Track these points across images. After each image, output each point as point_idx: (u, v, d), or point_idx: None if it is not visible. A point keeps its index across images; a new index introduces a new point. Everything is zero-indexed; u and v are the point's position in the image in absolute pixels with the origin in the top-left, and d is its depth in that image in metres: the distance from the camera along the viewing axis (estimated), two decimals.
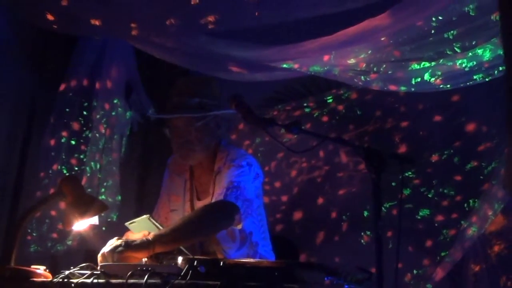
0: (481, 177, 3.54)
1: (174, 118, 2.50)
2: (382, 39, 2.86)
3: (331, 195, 3.89)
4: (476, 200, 3.50)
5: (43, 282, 1.83)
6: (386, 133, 3.84)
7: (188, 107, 2.45)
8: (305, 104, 4.05)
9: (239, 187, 2.44)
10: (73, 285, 1.76)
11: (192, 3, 2.68)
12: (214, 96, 2.53)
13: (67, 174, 3.41)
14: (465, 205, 3.57)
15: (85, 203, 2.14)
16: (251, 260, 2.31)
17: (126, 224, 2.30)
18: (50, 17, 2.95)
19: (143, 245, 2.06)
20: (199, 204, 2.60)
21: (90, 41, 3.58)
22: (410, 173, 3.63)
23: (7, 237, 2.17)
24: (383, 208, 2.05)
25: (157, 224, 2.26)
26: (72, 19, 2.98)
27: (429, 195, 3.67)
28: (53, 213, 3.36)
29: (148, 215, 2.26)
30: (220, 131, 2.56)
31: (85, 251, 3.28)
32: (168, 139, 3.25)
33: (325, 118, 4.01)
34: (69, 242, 3.37)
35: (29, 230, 3.36)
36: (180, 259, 1.76)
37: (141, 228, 2.31)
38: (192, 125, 2.46)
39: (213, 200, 2.45)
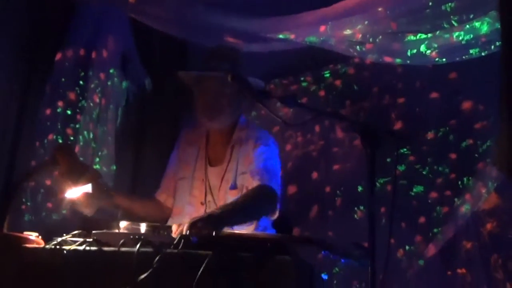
0: (476, 155, 3.55)
1: (206, 81, 2.59)
2: (379, 10, 2.84)
3: (325, 170, 3.89)
4: (470, 178, 3.51)
5: (35, 248, 1.83)
6: (382, 110, 3.82)
7: (243, 79, 2.51)
8: (302, 79, 4.03)
9: (275, 172, 2.57)
10: (65, 252, 1.76)
11: None
12: (244, 67, 2.64)
13: None
14: (459, 183, 3.58)
15: (79, 171, 2.13)
16: (244, 232, 2.32)
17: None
18: None
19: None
20: (211, 170, 2.67)
21: (88, 11, 3.55)
22: (405, 150, 3.63)
23: (1, 204, 2.16)
24: (377, 184, 2.05)
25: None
26: None
27: (424, 172, 3.68)
28: (48, 182, 3.35)
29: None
30: (245, 103, 2.65)
31: (80, 221, 3.28)
32: (164, 111, 3.24)
33: (321, 93, 3.99)
34: (64, 212, 3.37)
35: (23, 200, 3.36)
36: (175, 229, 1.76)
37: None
38: (224, 89, 2.54)
39: (244, 171, 2.58)
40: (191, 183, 2.68)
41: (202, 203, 2.63)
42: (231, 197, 2.53)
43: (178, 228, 1.96)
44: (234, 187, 2.60)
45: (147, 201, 2.80)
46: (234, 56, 2.65)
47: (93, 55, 3.55)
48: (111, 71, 3.59)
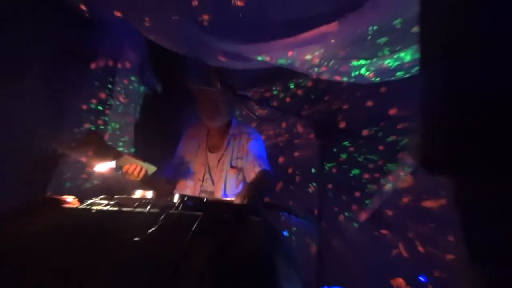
0: (398, 148, 3.58)
1: (209, 90, 2.62)
2: (332, 41, 2.83)
3: (289, 155, 3.90)
4: (393, 164, 3.54)
5: (71, 208, 1.80)
6: (331, 113, 3.83)
7: (229, 85, 2.49)
8: (273, 88, 4.03)
9: (265, 158, 2.67)
10: (93, 211, 1.73)
11: (192, 4, 2.62)
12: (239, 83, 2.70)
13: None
14: (385, 168, 3.61)
15: (105, 151, 2.10)
16: (227, 199, 2.31)
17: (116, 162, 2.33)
18: (82, 6, 2.84)
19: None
20: (210, 156, 2.71)
21: (116, 32, 3.50)
22: (347, 142, 3.65)
23: (45, 176, 2.12)
24: (325, 167, 2.06)
25: (136, 159, 2.34)
26: (100, 9, 2.87)
27: (360, 159, 3.70)
28: (83, 159, 3.31)
29: (127, 153, 2.33)
30: (235, 108, 2.75)
31: (106, 189, 3.26)
32: (170, 108, 3.18)
33: (287, 99, 3.99)
34: (95, 181, 3.33)
35: (64, 172, 3.31)
36: (176, 196, 1.75)
37: (126, 162, 2.35)
38: (222, 97, 2.58)
39: (239, 157, 2.65)
40: (193, 165, 2.68)
41: (199, 179, 2.64)
42: (230, 174, 2.57)
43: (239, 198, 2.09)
44: (232, 167, 2.61)
45: (162, 181, 2.78)
46: (230, 74, 2.66)
47: (119, 65, 3.51)
48: (132, 78, 3.55)
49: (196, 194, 2.59)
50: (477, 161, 0.85)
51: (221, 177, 2.59)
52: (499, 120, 0.82)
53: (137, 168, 2.35)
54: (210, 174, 2.64)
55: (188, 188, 2.61)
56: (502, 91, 0.82)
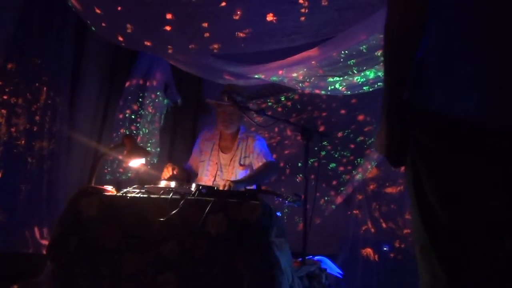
0: (365, 146, 3.59)
1: (222, 105, 2.54)
2: (313, 62, 2.83)
3: (280, 153, 3.90)
4: (362, 159, 3.54)
5: (110, 195, 1.80)
6: (313, 119, 3.84)
7: (235, 100, 2.46)
8: (268, 100, 4.03)
9: (268, 152, 2.59)
10: (128, 197, 1.73)
11: (205, 36, 2.61)
12: (245, 97, 2.61)
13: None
14: (356, 162, 3.62)
15: (137, 150, 2.09)
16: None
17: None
18: (120, 38, 2.83)
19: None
20: (222, 155, 2.62)
21: (145, 57, 3.49)
22: (325, 142, 3.65)
23: (91, 169, 2.11)
24: (309, 162, 2.06)
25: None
26: (133, 40, 2.86)
27: (336, 155, 3.70)
28: (120, 157, 3.30)
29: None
30: (243, 117, 2.63)
31: (138, 180, 3.25)
32: (188, 117, 3.14)
33: (279, 109, 3.99)
34: (129, 174, 3.33)
35: (105, 167, 3.31)
36: (193, 185, 1.74)
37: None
38: (235, 110, 2.50)
39: (246, 156, 2.56)
40: (208, 163, 2.66)
41: (212, 175, 2.62)
42: (239, 170, 2.54)
43: (223, 185, 2.09)
44: (241, 164, 2.59)
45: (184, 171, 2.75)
46: (242, 92, 2.62)
47: (148, 83, 3.50)
48: (158, 93, 3.55)
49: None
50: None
51: (233, 173, 2.56)
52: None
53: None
54: (222, 171, 2.61)
55: (203, 182, 2.60)
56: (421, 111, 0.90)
